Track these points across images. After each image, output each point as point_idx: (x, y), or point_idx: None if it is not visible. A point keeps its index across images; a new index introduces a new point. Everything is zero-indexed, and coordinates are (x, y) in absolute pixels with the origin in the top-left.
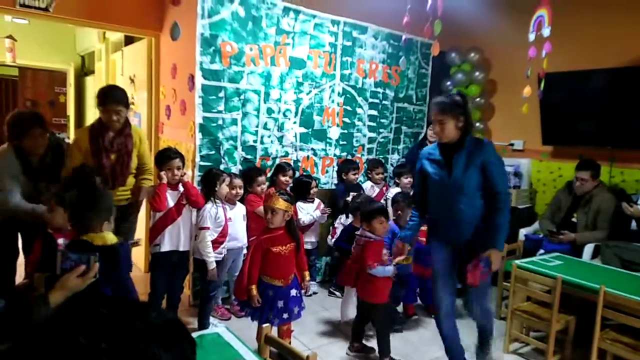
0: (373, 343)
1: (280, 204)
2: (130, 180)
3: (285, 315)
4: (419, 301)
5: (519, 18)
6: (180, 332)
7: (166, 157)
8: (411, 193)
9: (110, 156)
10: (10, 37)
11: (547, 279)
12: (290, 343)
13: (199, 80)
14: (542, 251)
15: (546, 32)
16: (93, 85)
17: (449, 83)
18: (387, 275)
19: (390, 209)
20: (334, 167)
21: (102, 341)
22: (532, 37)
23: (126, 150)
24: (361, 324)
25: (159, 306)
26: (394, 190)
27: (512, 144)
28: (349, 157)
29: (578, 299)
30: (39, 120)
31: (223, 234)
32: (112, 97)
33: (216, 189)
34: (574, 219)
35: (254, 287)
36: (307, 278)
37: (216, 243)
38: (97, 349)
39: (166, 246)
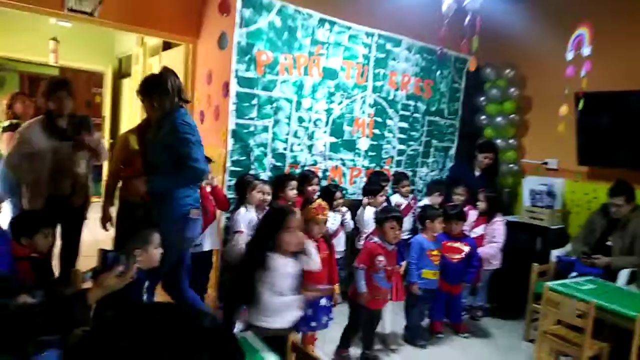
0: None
1: (327, 214)
2: None
3: (313, 324)
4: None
5: (558, 35)
6: (231, 342)
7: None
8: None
9: None
10: (54, 39)
11: (580, 302)
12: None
13: (234, 88)
14: (574, 274)
15: (586, 51)
16: (129, 88)
17: (482, 98)
18: (360, 289)
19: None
20: (361, 177)
21: (161, 349)
22: (570, 55)
23: None
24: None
25: (210, 314)
26: (422, 204)
27: (545, 163)
28: (378, 168)
29: (612, 325)
30: (65, 84)
31: None
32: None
33: (247, 195)
34: (608, 243)
35: None
36: (337, 291)
37: None
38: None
39: (207, 245)
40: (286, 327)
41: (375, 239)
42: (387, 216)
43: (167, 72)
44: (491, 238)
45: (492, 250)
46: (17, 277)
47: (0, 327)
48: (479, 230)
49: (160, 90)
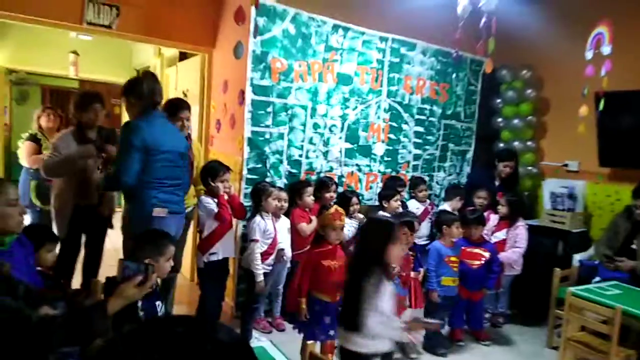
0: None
1: (344, 220)
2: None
3: (331, 332)
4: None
5: (575, 35)
6: (247, 354)
7: (220, 169)
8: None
9: None
10: (74, 52)
11: (604, 308)
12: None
13: (249, 96)
14: (597, 278)
15: (606, 50)
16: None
17: (499, 100)
18: None
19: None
20: (377, 183)
21: None
22: (589, 54)
23: (190, 160)
24: None
25: (227, 326)
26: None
27: (566, 165)
28: (394, 173)
29: (639, 332)
30: (99, 98)
31: (273, 246)
32: (182, 105)
33: (262, 202)
34: (633, 246)
35: (303, 300)
36: None
37: (266, 254)
38: None
39: (223, 254)
40: (385, 350)
41: None
42: (399, 221)
43: (145, 75)
44: (513, 243)
45: (514, 256)
46: (40, 289)
47: (22, 339)
48: (500, 235)
49: (134, 92)
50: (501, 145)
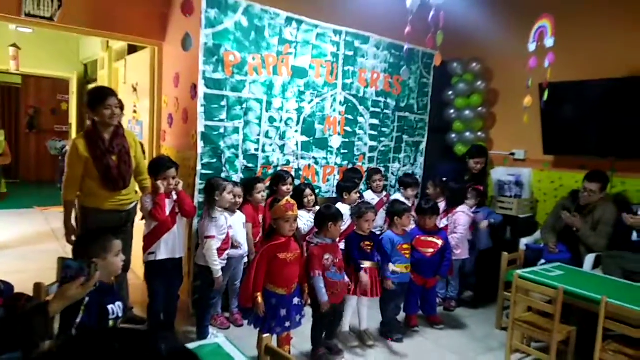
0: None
1: (296, 211)
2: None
3: (287, 324)
4: (420, 312)
5: (521, 28)
6: None
7: (162, 166)
8: (413, 202)
9: (112, 157)
10: (14, 45)
11: (548, 289)
12: (289, 351)
13: (202, 89)
14: (543, 261)
15: (549, 42)
16: None
17: (450, 92)
18: (322, 298)
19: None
20: (335, 175)
21: None
22: (532, 47)
23: (125, 150)
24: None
25: (168, 335)
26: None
27: (513, 154)
28: (350, 165)
29: (579, 309)
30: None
31: (226, 241)
32: (108, 92)
33: (217, 197)
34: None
35: (259, 294)
36: (307, 290)
37: (220, 250)
38: None
39: (162, 254)
40: None
41: (315, 240)
42: (365, 209)
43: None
44: (453, 229)
45: (453, 241)
46: None
47: None
48: (445, 222)
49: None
50: (453, 136)
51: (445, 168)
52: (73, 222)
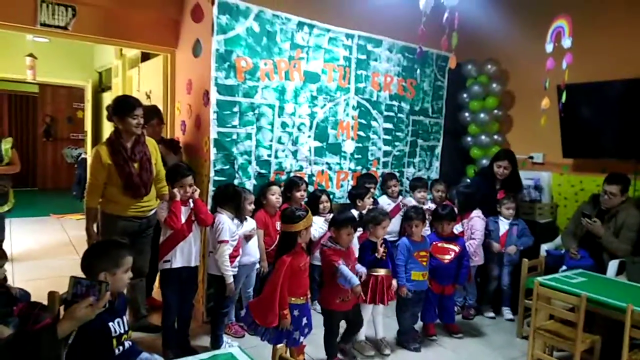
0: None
1: (311, 218)
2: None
3: (306, 330)
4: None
5: (537, 28)
6: None
7: (179, 173)
8: (425, 207)
9: (134, 165)
10: (31, 55)
11: (571, 296)
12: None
13: (214, 96)
14: (564, 267)
15: (567, 43)
16: (110, 101)
17: (465, 95)
18: (353, 282)
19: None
20: (349, 181)
21: None
22: (549, 48)
23: (147, 157)
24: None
25: (172, 326)
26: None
27: (531, 157)
28: (364, 171)
29: (603, 317)
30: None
31: (237, 248)
32: (134, 103)
33: (241, 207)
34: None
35: (287, 311)
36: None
37: (231, 257)
38: None
39: (178, 262)
40: None
41: (329, 244)
42: (344, 221)
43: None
44: (470, 235)
45: (471, 248)
46: None
47: None
48: (458, 227)
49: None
50: (469, 139)
51: (475, 181)
52: (94, 228)
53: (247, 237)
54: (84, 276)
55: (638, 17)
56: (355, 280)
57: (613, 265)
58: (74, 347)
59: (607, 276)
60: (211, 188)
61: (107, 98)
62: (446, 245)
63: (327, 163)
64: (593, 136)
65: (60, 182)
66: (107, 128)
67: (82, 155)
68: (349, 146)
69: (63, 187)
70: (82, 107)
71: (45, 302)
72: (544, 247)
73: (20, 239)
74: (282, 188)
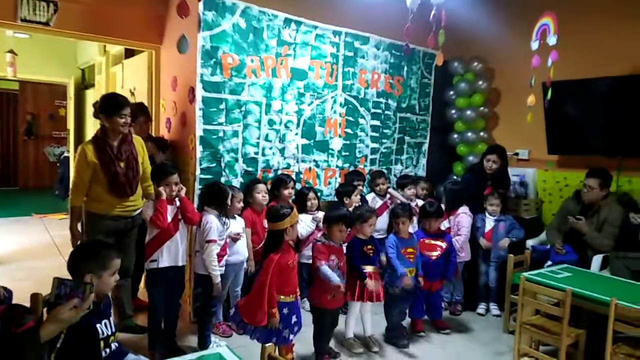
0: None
1: (297, 215)
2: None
3: (296, 328)
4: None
5: (523, 26)
6: None
7: (164, 172)
8: (413, 204)
9: (120, 164)
10: (11, 51)
11: (556, 291)
12: (293, 359)
13: (200, 93)
14: (549, 263)
15: (552, 40)
16: (93, 98)
17: (452, 92)
18: (334, 282)
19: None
20: (336, 178)
21: None
22: (535, 45)
23: (133, 156)
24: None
25: (159, 327)
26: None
27: (517, 154)
28: (352, 168)
29: (588, 311)
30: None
31: (224, 248)
32: (122, 102)
33: (228, 205)
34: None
35: (276, 310)
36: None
37: (218, 257)
38: None
39: (164, 262)
40: None
41: (322, 239)
42: (336, 218)
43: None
44: (456, 231)
45: (457, 244)
46: None
47: None
48: (445, 224)
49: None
50: (455, 136)
51: (466, 177)
52: (79, 228)
53: (234, 239)
54: (67, 277)
55: (622, 15)
56: (336, 279)
57: (597, 260)
58: (62, 350)
59: (591, 271)
60: (197, 186)
61: (90, 95)
62: (433, 242)
63: (314, 160)
64: (578, 133)
65: (42, 181)
66: (90, 126)
67: (65, 154)
68: (336, 143)
69: (45, 186)
70: (65, 104)
71: (28, 304)
72: (529, 243)
73: (2, 240)
74: (269, 186)
